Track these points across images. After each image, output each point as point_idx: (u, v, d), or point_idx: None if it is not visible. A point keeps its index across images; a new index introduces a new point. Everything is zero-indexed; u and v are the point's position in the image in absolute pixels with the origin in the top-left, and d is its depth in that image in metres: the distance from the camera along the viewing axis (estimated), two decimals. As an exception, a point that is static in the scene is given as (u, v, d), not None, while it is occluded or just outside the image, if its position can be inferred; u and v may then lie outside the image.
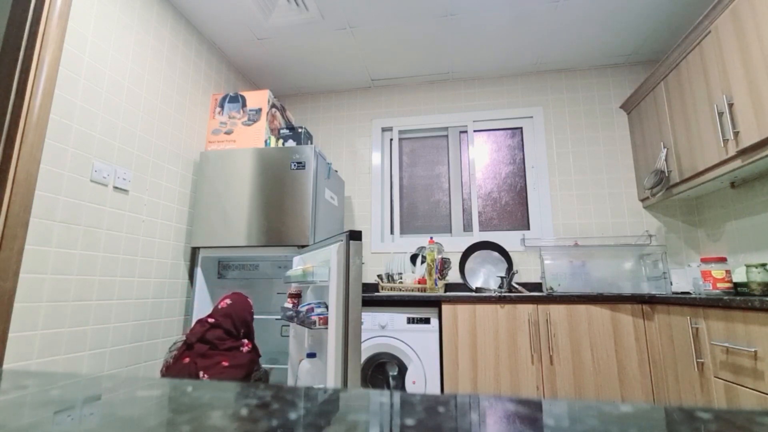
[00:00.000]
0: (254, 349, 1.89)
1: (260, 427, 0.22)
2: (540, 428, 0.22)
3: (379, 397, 0.27)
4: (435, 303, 2.14)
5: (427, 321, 2.08)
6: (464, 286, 2.60)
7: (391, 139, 3.11)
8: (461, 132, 3.04)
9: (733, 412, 0.23)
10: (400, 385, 2.10)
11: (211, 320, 1.82)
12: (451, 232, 2.89)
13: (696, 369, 1.62)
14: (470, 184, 2.90)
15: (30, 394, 0.27)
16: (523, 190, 2.86)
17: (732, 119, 1.73)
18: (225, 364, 1.69)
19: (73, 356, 1.60)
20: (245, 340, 1.86)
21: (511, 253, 2.65)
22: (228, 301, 1.92)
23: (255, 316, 2.35)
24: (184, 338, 1.76)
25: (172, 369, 1.63)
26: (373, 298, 2.16)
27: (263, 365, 2.02)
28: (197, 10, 2.28)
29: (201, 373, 1.64)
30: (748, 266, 1.67)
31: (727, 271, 1.74)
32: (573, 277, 2.41)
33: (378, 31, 2.48)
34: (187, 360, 1.67)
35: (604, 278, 2.38)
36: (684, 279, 2.18)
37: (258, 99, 2.43)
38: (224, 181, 2.27)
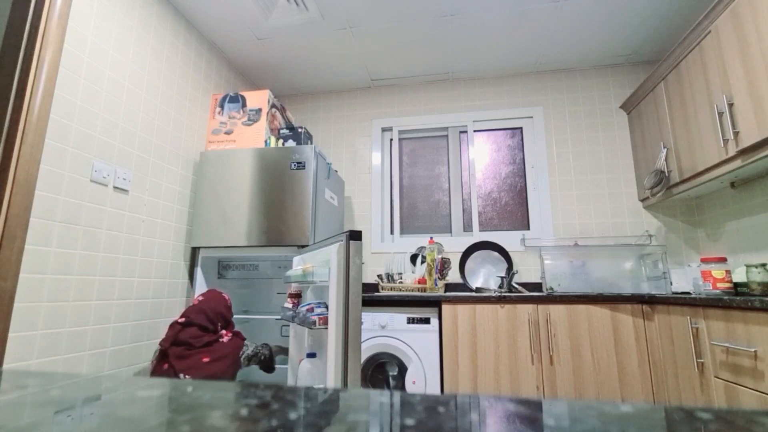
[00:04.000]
0: (236, 335, 1.88)
1: (260, 427, 0.22)
2: (540, 428, 0.22)
3: (379, 397, 0.27)
4: (435, 303, 2.14)
5: (427, 321, 2.08)
6: (464, 286, 2.60)
7: (391, 139, 3.11)
8: (461, 132, 3.04)
9: (733, 412, 0.23)
10: (400, 385, 2.10)
11: (181, 320, 1.79)
12: (451, 232, 2.89)
13: (696, 369, 1.62)
14: (470, 184, 2.90)
15: (30, 394, 0.27)
16: (523, 190, 2.86)
17: (732, 119, 1.73)
18: (205, 360, 1.67)
19: (73, 356, 1.60)
20: (223, 332, 1.84)
21: (511, 253, 2.65)
22: (200, 297, 1.92)
23: (254, 316, 2.36)
24: (159, 347, 1.74)
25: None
26: (373, 298, 2.16)
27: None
28: (197, 10, 2.28)
29: (182, 375, 1.61)
30: (748, 266, 1.67)
31: (727, 271, 1.74)
32: (573, 277, 2.41)
33: (378, 31, 2.48)
34: (165, 366, 1.65)
35: (604, 278, 2.38)
36: (684, 279, 2.18)
37: (258, 99, 2.43)
38: (224, 181, 2.27)
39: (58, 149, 1.55)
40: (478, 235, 2.79)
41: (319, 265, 1.60)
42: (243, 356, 1.84)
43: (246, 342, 1.91)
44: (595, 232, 2.63)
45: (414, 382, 2.02)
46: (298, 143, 2.52)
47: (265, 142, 2.38)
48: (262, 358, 1.89)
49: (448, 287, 2.67)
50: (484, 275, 2.64)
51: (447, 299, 2.08)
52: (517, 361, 1.96)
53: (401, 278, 2.45)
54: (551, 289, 2.37)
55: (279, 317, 2.17)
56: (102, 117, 1.76)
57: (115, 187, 1.82)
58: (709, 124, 1.89)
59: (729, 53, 1.74)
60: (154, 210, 2.05)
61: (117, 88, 1.85)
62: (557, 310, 2.00)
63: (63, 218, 1.57)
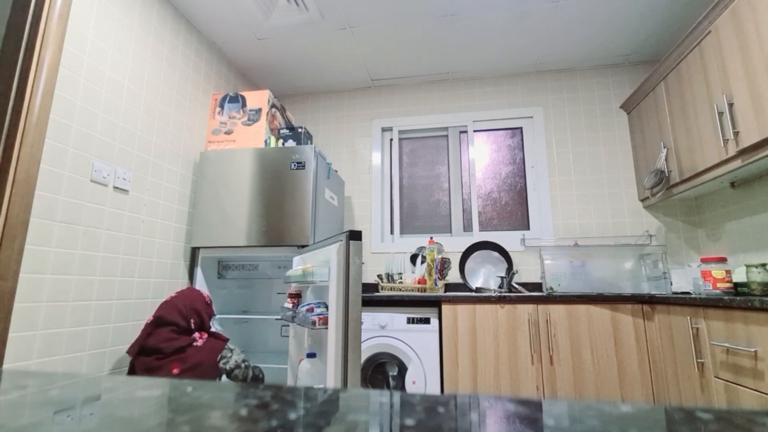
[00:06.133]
0: (213, 337, 1.73)
1: (260, 427, 0.22)
2: (540, 428, 0.22)
3: (379, 397, 0.27)
4: (435, 303, 2.14)
5: (427, 321, 2.08)
6: (464, 286, 2.60)
7: (391, 139, 3.11)
8: (461, 132, 3.04)
9: (733, 412, 0.23)
10: (400, 385, 2.10)
11: (150, 320, 1.67)
12: (451, 232, 2.89)
13: (696, 369, 1.62)
14: (470, 184, 2.90)
15: (30, 394, 0.27)
16: (523, 190, 2.86)
17: (732, 119, 1.73)
18: (175, 371, 1.54)
19: (73, 356, 1.60)
20: (197, 334, 1.71)
21: (511, 253, 2.65)
22: (174, 294, 1.82)
23: (254, 316, 2.35)
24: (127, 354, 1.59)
25: None
26: (373, 298, 2.16)
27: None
28: (197, 10, 2.28)
29: None
30: (748, 266, 1.67)
31: (727, 271, 1.74)
32: (573, 277, 2.41)
33: (378, 31, 2.48)
34: None
35: (604, 278, 2.38)
36: (684, 279, 2.18)
37: (258, 99, 2.43)
38: (224, 181, 2.27)
39: (58, 149, 1.55)
40: (478, 235, 2.79)
41: (319, 265, 1.60)
42: (223, 363, 1.67)
43: (229, 345, 1.73)
44: (595, 232, 2.63)
45: (414, 383, 2.02)
46: (298, 143, 2.52)
47: (265, 142, 2.38)
48: (249, 376, 1.73)
49: (448, 287, 2.67)
50: (484, 275, 2.64)
51: (447, 299, 2.08)
52: (517, 361, 1.96)
53: (401, 278, 2.45)
54: (551, 289, 2.37)
55: (279, 317, 2.17)
56: (102, 117, 1.76)
57: (115, 187, 1.82)
58: (709, 124, 1.89)
59: (729, 53, 1.74)
60: (154, 210, 2.05)
61: (117, 88, 1.85)
62: (557, 310, 2.00)
63: (63, 218, 1.57)
